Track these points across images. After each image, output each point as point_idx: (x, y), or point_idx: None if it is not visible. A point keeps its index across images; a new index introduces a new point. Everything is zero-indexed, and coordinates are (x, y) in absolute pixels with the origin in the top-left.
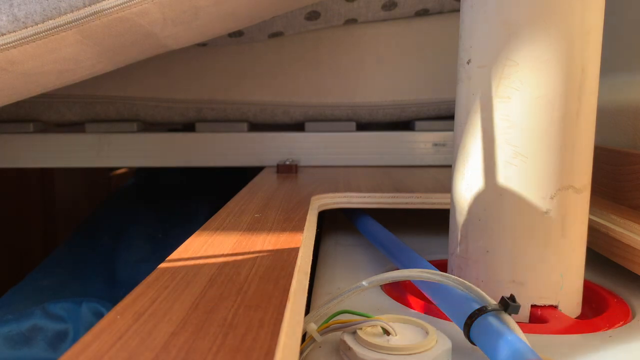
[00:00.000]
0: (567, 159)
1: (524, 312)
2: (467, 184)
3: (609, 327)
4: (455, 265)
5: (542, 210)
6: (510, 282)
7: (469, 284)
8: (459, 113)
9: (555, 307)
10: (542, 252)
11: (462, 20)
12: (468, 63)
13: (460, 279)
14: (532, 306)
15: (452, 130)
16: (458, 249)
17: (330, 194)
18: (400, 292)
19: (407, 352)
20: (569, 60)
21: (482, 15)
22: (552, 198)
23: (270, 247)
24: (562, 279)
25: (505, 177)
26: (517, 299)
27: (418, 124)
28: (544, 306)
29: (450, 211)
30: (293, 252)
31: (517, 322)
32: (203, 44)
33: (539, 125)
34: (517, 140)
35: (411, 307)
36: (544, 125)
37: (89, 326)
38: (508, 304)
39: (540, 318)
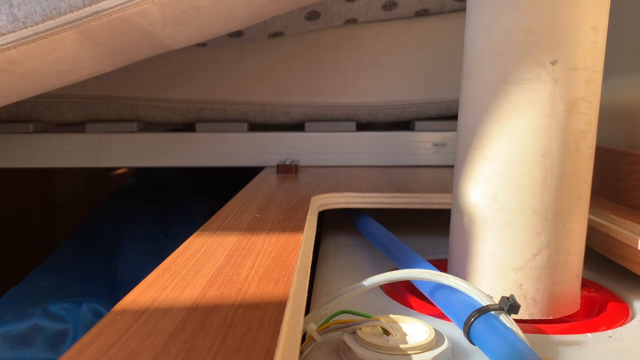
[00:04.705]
0: None
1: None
2: (546, 193)
3: (609, 327)
4: (530, 277)
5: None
6: (577, 276)
7: (469, 284)
8: (524, 119)
9: None
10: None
11: (533, 13)
12: (553, 64)
13: (460, 279)
14: None
15: (452, 130)
16: (534, 261)
17: (330, 194)
18: (400, 292)
19: (407, 352)
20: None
21: (572, 15)
22: None
23: (270, 247)
24: None
25: (585, 180)
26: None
27: (418, 124)
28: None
29: (495, 230)
30: (293, 252)
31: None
32: (203, 44)
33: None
34: (592, 143)
35: (411, 307)
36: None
37: (89, 326)
38: (508, 304)
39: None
